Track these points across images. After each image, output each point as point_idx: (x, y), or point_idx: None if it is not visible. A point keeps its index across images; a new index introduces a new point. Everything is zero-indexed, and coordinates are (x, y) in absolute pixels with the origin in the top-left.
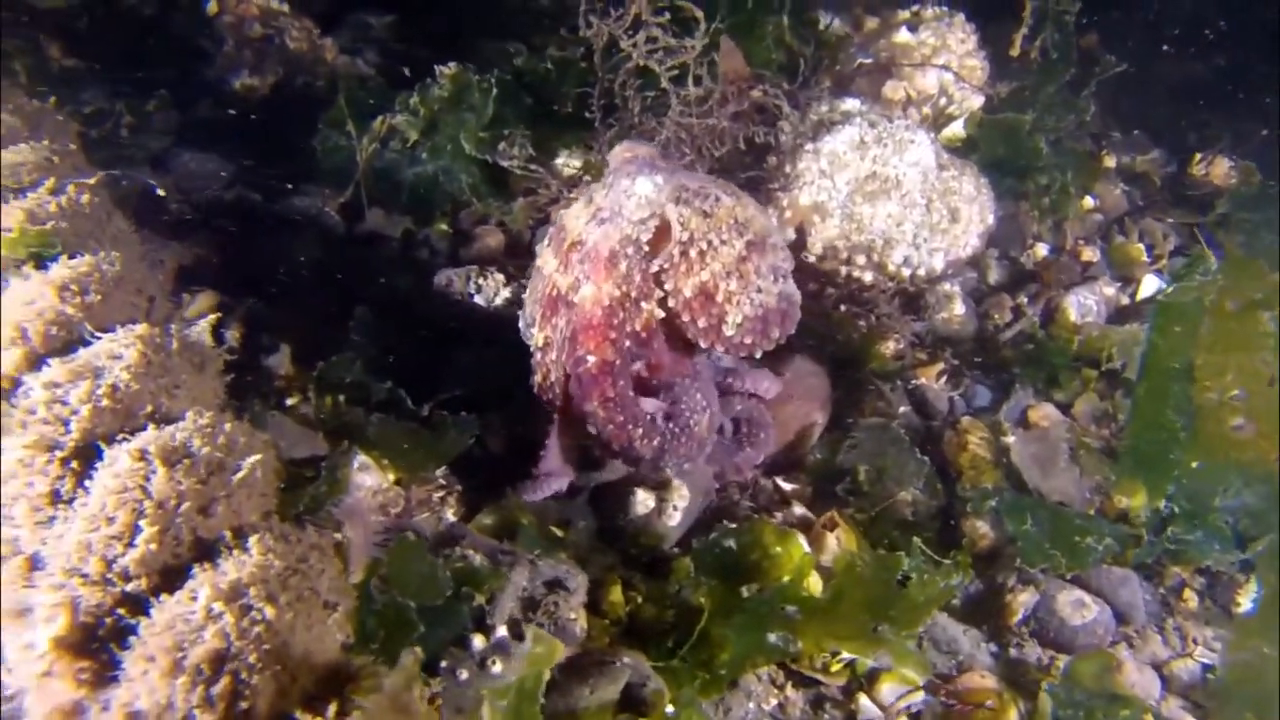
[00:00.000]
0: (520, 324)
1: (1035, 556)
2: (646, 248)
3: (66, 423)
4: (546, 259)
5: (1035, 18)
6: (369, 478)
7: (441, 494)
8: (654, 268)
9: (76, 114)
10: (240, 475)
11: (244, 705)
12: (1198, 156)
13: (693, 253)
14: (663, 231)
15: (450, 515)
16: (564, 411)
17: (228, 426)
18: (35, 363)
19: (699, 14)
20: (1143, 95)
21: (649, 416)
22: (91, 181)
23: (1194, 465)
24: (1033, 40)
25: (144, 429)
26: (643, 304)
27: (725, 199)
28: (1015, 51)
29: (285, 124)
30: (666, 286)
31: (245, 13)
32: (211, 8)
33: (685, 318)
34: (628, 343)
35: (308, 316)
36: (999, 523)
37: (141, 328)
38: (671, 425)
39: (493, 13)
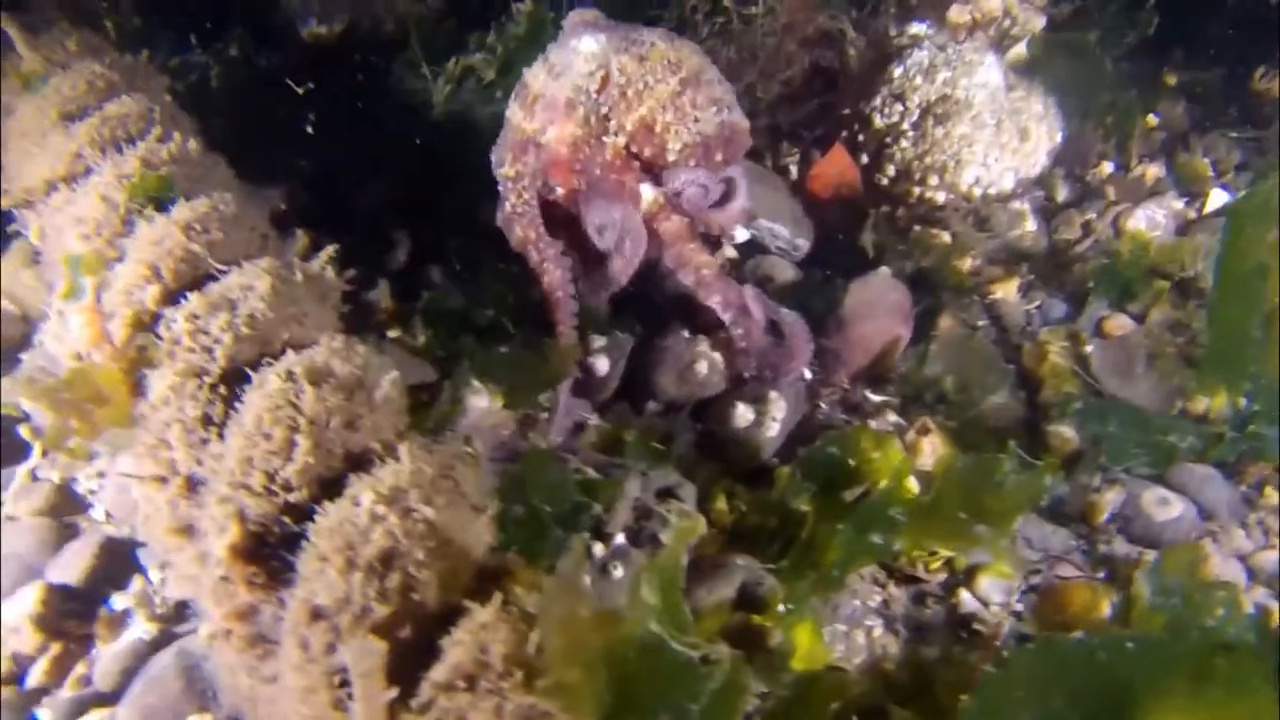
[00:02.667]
0: (493, 158)
1: (1121, 456)
2: (597, 94)
3: (211, 350)
4: (514, 111)
5: None
6: (481, 400)
7: (546, 415)
8: (603, 110)
9: (163, 68)
10: (381, 392)
11: (415, 597)
12: (1260, 71)
13: (630, 92)
14: (609, 77)
15: (556, 436)
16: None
17: (360, 349)
18: (170, 297)
19: None
20: (1203, 9)
21: (595, 228)
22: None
23: (1272, 365)
24: None
25: (282, 354)
26: (604, 139)
27: (660, 44)
28: None
29: (356, 69)
30: (612, 124)
31: None
32: None
33: (634, 148)
34: (597, 171)
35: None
36: (1082, 428)
37: (266, 261)
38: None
39: None
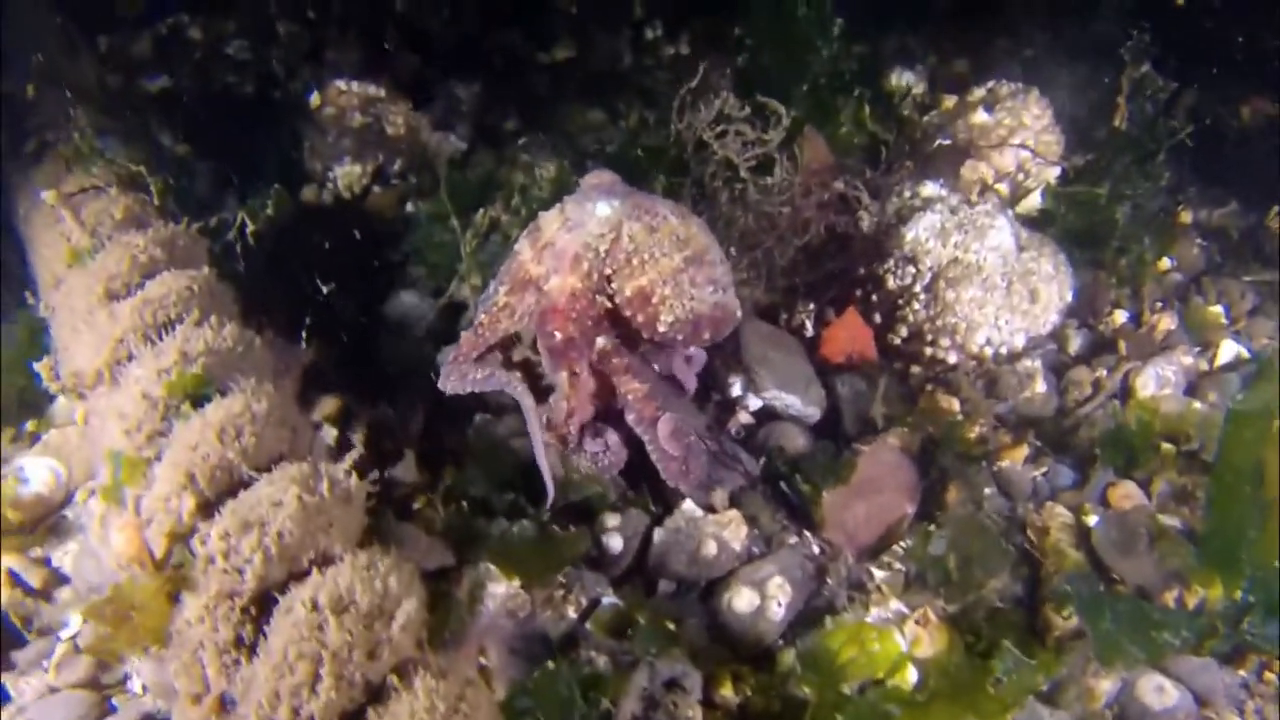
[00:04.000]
0: (482, 295)
1: (1112, 655)
2: (604, 254)
3: (242, 571)
4: (523, 247)
5: (1130, 88)
6: (499, 587)
7: (562, 594)
8: (607, 270)
9: (204, 229)
10: (399, 623)
11: None
12: (1275, 209)
13: (635, 261)
14: (619, 240)
15: (571, 613)
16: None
17: (382, 566)
18: (206, 505)
19: (780, 108)
20: (1218, 145)
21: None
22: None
23: (1269, 560)
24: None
25: (308, 571)
26: (598, 297)
27: (671, 219)
28: (1119, 123)
29: (387, 213)
30: (613, 286)
31: (346, 104)
32: (314, 100)
33: (627, 313)
34: (589, 323)
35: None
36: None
37: (294, 470)
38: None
39: (577, 78)
